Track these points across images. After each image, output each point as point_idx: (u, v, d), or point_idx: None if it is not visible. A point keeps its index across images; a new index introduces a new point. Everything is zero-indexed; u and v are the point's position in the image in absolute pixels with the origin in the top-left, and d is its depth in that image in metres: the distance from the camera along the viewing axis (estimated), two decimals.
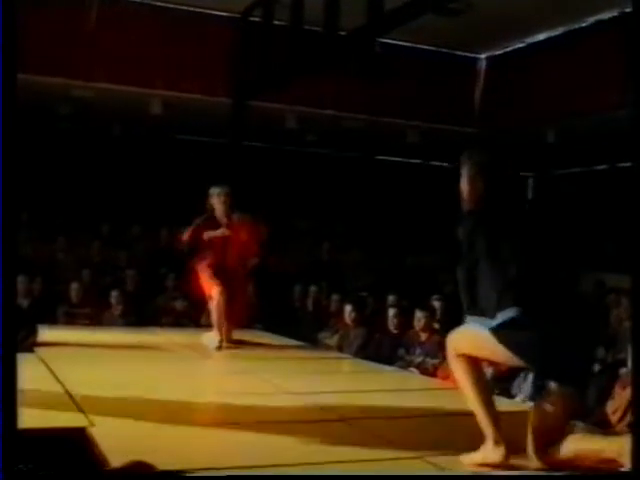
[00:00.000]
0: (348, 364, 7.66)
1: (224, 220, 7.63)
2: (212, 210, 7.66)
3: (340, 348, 8.69)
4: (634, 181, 3.16)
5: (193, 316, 9.70)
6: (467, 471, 3.74)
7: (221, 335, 7.51)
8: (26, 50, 9.43)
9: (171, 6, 10.56)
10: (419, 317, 7.73)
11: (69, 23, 10.08)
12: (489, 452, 3.70)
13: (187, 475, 3.34)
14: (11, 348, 3.09)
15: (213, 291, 7.58)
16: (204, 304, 8.26)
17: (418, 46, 11.72)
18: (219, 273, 7.58)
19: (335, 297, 10.21)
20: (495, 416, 3.73)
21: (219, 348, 7.43)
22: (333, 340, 9.05)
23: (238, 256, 7.70)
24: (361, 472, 3.64)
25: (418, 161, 15.12)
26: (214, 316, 7.61)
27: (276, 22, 9.67)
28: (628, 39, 3.23)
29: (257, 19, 10.19)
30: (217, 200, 7.63)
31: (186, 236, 7.60)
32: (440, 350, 7.37)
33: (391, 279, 11.62)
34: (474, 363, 3.77)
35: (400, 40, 10.85)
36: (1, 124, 3.01)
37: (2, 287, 3.06)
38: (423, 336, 7.67)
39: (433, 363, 7.33)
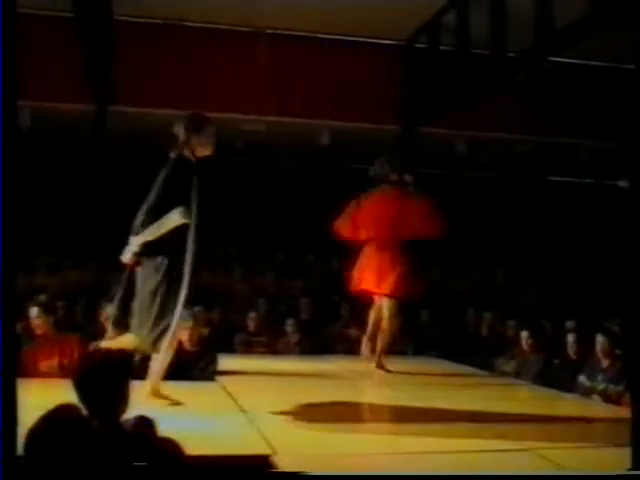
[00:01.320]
0: (527, 391, 7.48)
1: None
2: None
3: (518, 375, 8.51)
4: None
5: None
6: (468, 471, 3.59)
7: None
8: (202, 89, 9.92)
9: (337, 37, 10.68)
10: (600, 342, 7.48)
11: (241, 60, 10.36)
12: None
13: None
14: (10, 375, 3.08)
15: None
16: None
17: (589, 63, 11.38)
18: (372, 251, 7.75)
19: (511, 323, 10.02)
20: None
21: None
22: (510, 366, 8.87)
23: (390, 228, 7.72)
24: None
25: (591, 180, 14.68)
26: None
27: (442, 47, 9.65)
28: None
29: (423, 45, 10.20)
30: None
31: None
32: (623, 377, 7.12)
33: (569, 303, 11.28)
34: None
35: (571, 58, 10.55)
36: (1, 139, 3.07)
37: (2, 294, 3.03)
38: (605, 362, 7.40)
39: (617, 391, 7.05)
